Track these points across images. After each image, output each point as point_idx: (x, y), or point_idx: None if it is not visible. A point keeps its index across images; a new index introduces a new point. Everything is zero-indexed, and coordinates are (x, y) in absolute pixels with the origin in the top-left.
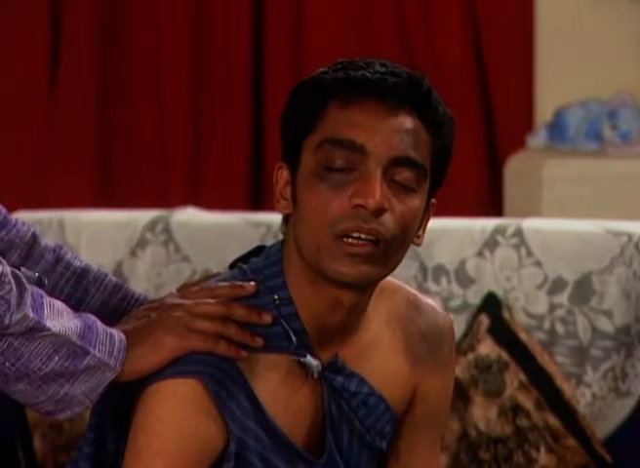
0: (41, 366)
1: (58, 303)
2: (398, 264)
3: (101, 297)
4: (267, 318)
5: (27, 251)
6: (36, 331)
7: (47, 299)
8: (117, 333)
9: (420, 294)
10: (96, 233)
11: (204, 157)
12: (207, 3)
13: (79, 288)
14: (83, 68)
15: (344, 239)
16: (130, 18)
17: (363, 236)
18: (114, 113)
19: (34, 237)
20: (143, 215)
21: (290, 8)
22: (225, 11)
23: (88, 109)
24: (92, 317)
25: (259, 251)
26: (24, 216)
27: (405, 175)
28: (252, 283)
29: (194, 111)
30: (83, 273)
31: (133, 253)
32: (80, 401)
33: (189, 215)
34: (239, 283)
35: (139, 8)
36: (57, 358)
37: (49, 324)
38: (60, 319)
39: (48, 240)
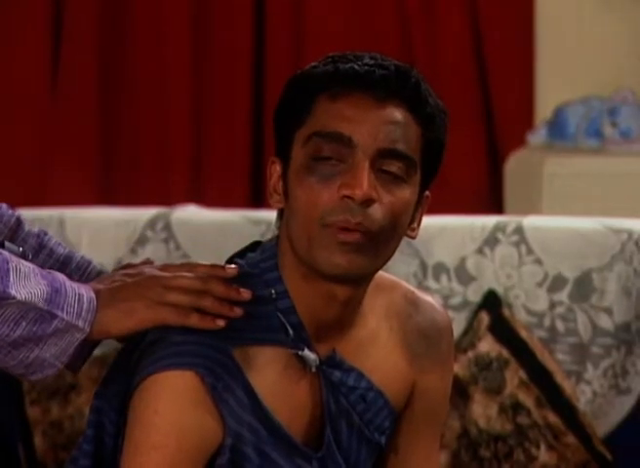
0: (9, 332)
1: (25, 266)
2: (390, 257)
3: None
4: (246, 294)
5: (10, 236)
6: (2, 299)
7: (13, 264)
8: (87, 293)
9: (418, 292)
10: (96, 231)
11: (205, 155)
12: (208, 4)
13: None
14: (84, 65)
15: (333, 228)
16: (132, 14)
17: (351, 228)
18: (116, 111)
19: (18, 222)
20: (144, 213)
21: (291, 5)
22: (227, 8)
23: (89, 107)
24: (60, 278)
25: (255, 246)
26: (25, 214)
27: (393, 166)
28: (232, 266)
29: (196, 109)
30: (66, 260)
31: (133, 251)
32: (51, 363)
33: (190, 213)
34: (220, 265)
35: (141, 7)
36: (24, 323)
37: (14, 292)
38: (28, 283)
39: (32, 226)
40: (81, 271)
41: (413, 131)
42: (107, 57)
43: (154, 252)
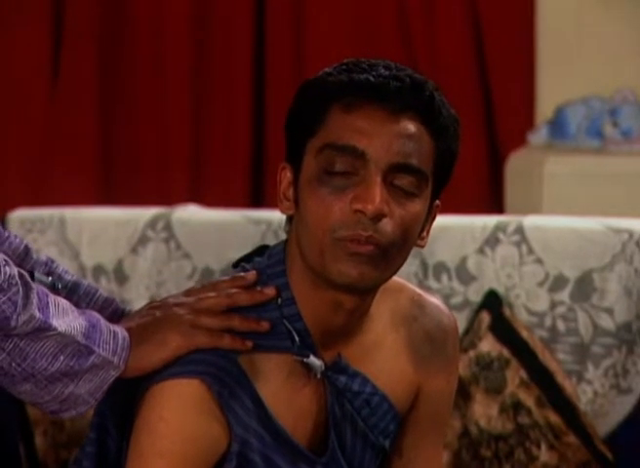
0: (47, 366)
1: (62, 302)
2: (399, 268)
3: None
4: (271, 292)
5: (19, 263)
6: (42, 330)
7: (52, 298)
8: (120, 331)
9: (424, 293)
10: (97, 230)
11: (205, 155)
12: (208, 3)
13: (70, 302)
14: (85, 66)
15: (345, 241)
16: (132, 16)
17: (362, 242)
18: (116, 111)
19: (26, 250)
20: (144, 213)
21: (291, 8)
22: (227, 9)
23: (90, 107)
24: (96, 315)
25: (262, 250)
26: (26, 214)
27: (405, 180)
28: (252, 272)
29: (195, 109)
30: (74, 287)
31: (134, 251)
32: (85, 400)
33: (190, 213)
34: (240, 274)
35: (141, 7)
36: (62, 357)
37: (55, 323)
38: (66, 317)
39: (40, 254)
40: (88, 298)
41: (426, 143)
42: (108, 57)
43: (155, 251)
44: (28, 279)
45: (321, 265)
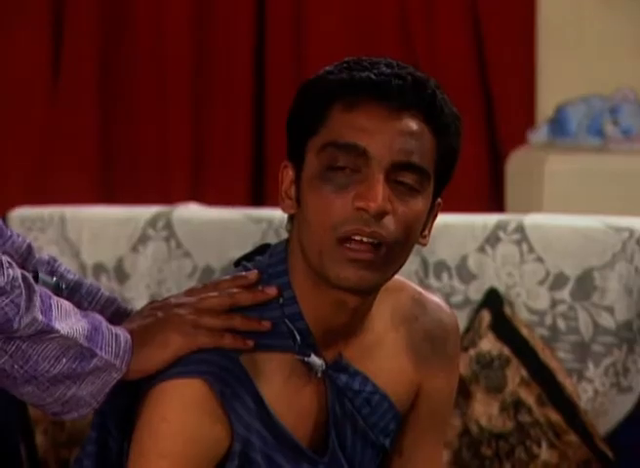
0: (49, 368)
1: (65, 303)
2: (401, 266)
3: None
4: (272, 291)
5: (22, 263)
6: (45, 333)
7: (55, 300)
8: (123, 333)
9: (424, 292)
10: (97, 229)
11: (206, 153)
12: (208, 3)
13: (72, 301)
14: (85, 65)
15: (346, 244)
16: (132, 16)
17: (365, 239)
18: (116, 111)
19: (29, 249)
20: (145, 211)
21: (291, 8)
22: (227, 9)
23: (90, 107)
24: (98, 317)
25: (263, 249)
26: (26, 213)
27: (407, 178)
28: (254, 271)
29: (196, 107)
30: (76, 286)
31: (134, 249)
32: (87, 402)
33: (191, 211)
34: (241, 274)
35: (141, 7)
36: (64, 360)
37: (57, 326)
38: (68, 320)
39: (42, 253)
40: (90, 297)
41: (428, 141)
42: (108, 57)
43: (155, 250)
44: (31, 281)
45: (321, 267)
